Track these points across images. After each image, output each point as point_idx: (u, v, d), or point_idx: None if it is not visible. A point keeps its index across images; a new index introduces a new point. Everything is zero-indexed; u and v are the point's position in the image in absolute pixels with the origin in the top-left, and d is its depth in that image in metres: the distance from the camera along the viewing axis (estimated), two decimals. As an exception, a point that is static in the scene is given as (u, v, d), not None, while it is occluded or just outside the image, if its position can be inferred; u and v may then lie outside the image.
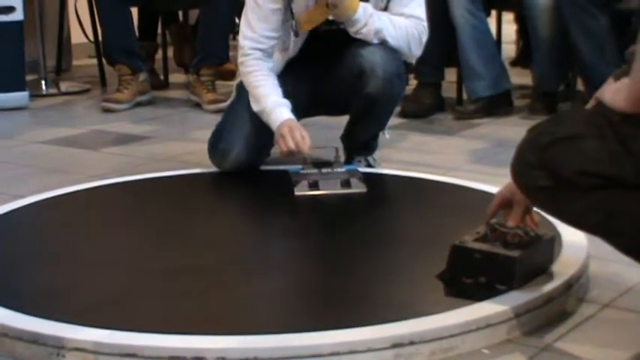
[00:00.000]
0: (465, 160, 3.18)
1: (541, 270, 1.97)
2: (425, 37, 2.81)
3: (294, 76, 2.82)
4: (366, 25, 2.71)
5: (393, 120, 3.07)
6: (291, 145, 2.66)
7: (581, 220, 1.68)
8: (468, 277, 1.90)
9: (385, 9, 2.79)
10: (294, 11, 2.76)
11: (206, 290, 1.99)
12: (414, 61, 2.90)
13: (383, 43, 2.73)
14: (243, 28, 2.79)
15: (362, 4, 2.72)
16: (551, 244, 2.01)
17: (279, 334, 1.74)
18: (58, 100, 4.36)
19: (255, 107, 2.75)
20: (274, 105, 2.71)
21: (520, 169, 1.69)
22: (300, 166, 2.73)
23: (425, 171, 2.91)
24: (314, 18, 2.78)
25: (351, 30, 2.74)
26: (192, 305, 1.91)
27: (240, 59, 2.80)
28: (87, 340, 1.72)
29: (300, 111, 2.77)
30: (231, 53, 4.39)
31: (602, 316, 1.92)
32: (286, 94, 2.75)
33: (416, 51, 2.81)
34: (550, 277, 1.95)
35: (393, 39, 2.74)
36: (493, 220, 1.96)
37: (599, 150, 1.59)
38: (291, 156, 2.71)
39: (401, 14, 2.77)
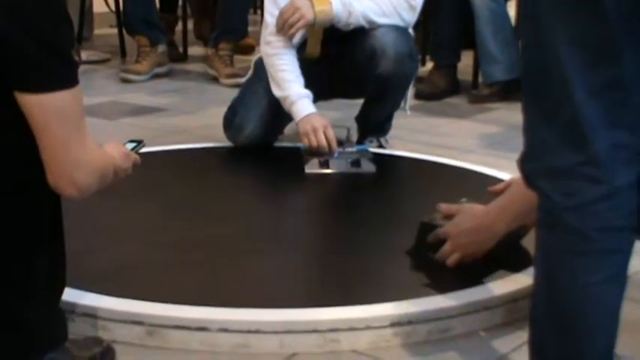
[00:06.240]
0: (478, 144, 3.21)
1: (516, 240, 2.00)
2: (415, 1, 2.79)
3: (309, 59, 2.84)
4: (350, 14, 2.72)
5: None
6: (315, 145, 2.70)
7: None
8: (434, 253, 1.96)
9: None
10: None
11: (212, 263, 2.03)
12: (411, 29, 2.86)
13: (373, 24, 2.74)
14: (270, 7, 2.79)
15: None
16: None
17: (281, 308, 1.79)
18: (79, 68, 4.35)
19: (276, 92, 2.76)
20: (298, 96, 2.73)
21: None
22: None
23: (436, 153, 2.94)
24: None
25: (341, 26, 2.74)
26: (198, 277, 1.96)
27: (267, 37, 2.78)
28: (96, 307, 1.78)
29: (317, 95, 2.78)
30: (250, 28, 4.42)
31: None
32: (304, 78, 2.76)
33: (409, 18, 2.80)
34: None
35: (379, 16, 2.75)
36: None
37: None
38: None
39: None
